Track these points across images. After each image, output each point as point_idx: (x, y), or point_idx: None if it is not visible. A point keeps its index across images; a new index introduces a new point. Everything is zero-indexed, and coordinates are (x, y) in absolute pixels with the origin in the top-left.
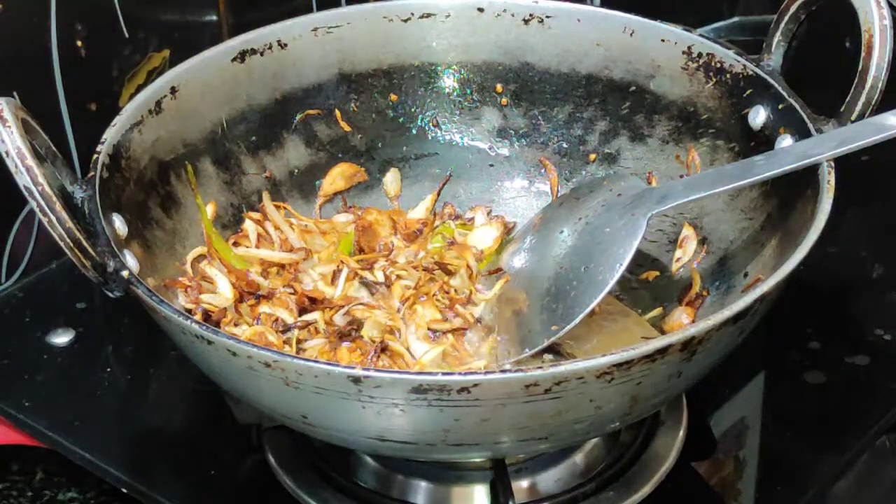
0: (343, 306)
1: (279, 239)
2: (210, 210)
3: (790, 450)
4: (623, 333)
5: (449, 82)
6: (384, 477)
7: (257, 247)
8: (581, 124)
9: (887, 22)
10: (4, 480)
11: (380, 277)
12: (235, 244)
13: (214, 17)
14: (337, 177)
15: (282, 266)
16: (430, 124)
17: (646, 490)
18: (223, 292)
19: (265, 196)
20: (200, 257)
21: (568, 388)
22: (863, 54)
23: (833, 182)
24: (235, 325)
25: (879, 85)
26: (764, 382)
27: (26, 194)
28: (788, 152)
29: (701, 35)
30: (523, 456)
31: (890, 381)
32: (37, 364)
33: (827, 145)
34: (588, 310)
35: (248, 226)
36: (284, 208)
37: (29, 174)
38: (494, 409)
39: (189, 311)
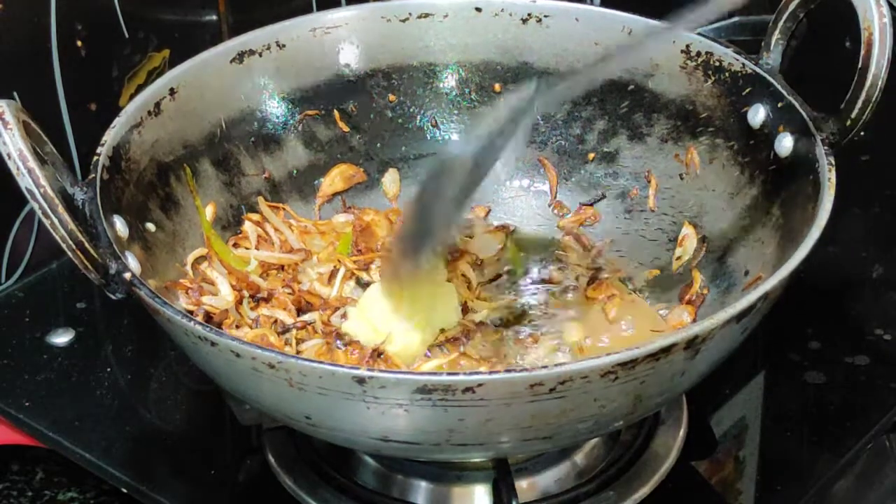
0: (340, 307)
1: (279, 240)
2: (210, 211)
3: (790, 450)
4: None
5: (447, 82)
6: (384, 477)
7: (257, 248)
8: (580, 123)
9: (887, 20)
10: (4, 480)
11: (376, 278)
12: (235, 245)
13: (214, 17)
14: (336, 177)
15: (281, 267)
16: (429, 124)
17: (646, 490)
18: (224, 294)
19: (261, 200)
20: (201, 259)
21: (572, 387)
22: (862, 53)
23: (834, 180)
24: (237, 326)
25: (879, 83)
26: (764, 382)
27: (28, 196)
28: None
29: (699, 34)
30: (524, 456)
31: (890, 381)
32: (37, 364)
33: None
34: None
35: (248, 227)
36: (283, 209)
37: (31, 176)
38: (499, 409)
39: (190, 312)
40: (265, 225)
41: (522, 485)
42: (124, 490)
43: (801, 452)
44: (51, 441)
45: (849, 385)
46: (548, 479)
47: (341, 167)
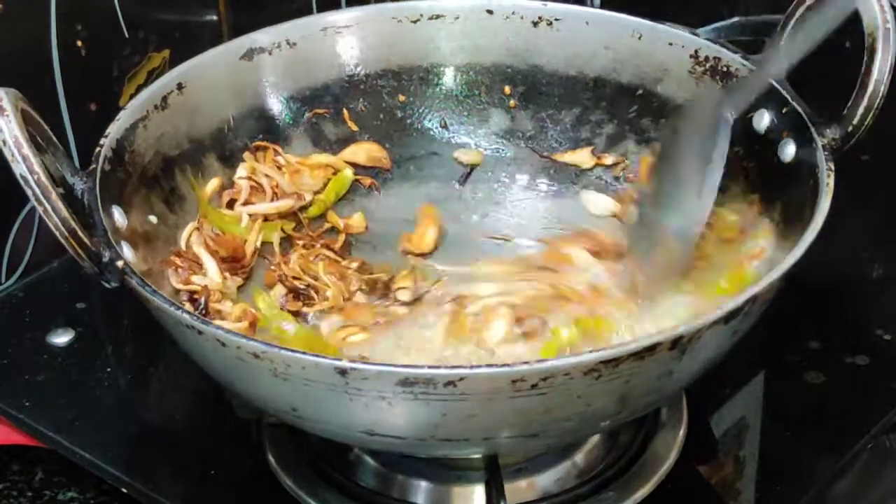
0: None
1: (271, 189)
2: (216, 182)
3: (790, 450)
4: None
5: (457, 84)
6: (384, 476)
7: (250, 202)
8: (588, 127)
9: (890, 25)
10: (4, 480)
11: None
12: (231, 201)
13: (214, 17)
14: (361, 150)
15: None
16: (438, 125)
17: (646, 490)
18: (211, 274)
19: (246, 155)
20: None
21: (554, 384)
22: (865, 57)
23: (832, 186)
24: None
25: (882, 88)
26: (764, 382)
27: (22, 183)
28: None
29: (708, 39)
30: (522, 455)
31: (890, 381)
32: (37, 364)
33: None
34: None
35: (240, 183)
36: (274, 149)
37: (25, 163)
38: (482, 404)
39: (179, 292)
40: (256, 176)
41: (521, 485)
42: (124, 490)
43: (801, 452)
44: (51, 441)
45: (849, 385)
46: (547, 479)
47: (372, 144)
